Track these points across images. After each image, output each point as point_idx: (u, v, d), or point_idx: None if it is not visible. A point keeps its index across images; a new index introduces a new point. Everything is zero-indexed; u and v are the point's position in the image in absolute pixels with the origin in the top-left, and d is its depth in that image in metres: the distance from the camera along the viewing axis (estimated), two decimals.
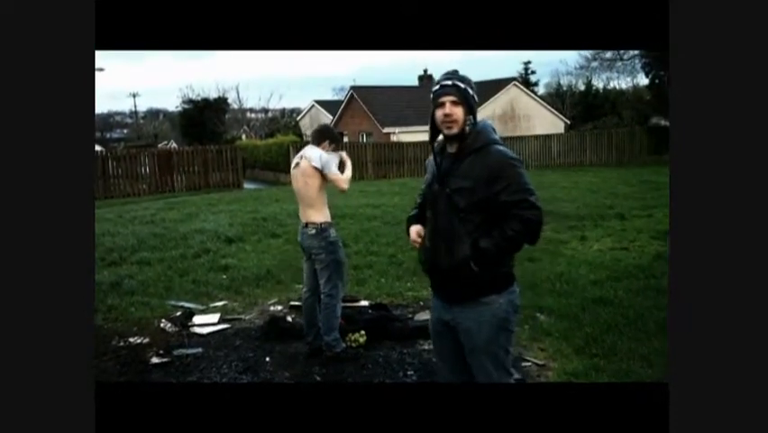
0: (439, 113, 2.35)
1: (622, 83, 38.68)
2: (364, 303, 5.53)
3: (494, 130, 2.46)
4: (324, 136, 4.18)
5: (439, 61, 71.52)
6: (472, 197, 2.30)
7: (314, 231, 4.10)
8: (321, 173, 4.03)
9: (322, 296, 4.18)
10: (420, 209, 2.61)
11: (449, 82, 2.35)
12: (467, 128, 2.35)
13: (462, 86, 2.34)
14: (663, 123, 26.57)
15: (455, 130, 2.33)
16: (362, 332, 4.57)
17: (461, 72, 2.41)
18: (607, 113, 30.68)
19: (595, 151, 23.34)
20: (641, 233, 8.25)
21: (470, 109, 2.35)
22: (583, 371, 3.77)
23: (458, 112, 2.32)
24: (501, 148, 2.38)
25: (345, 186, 4.09)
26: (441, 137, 2.46)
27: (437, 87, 2.38)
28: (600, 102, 33.10)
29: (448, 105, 2.32)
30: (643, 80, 30.11)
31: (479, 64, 70.07)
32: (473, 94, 2.38)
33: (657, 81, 25.51)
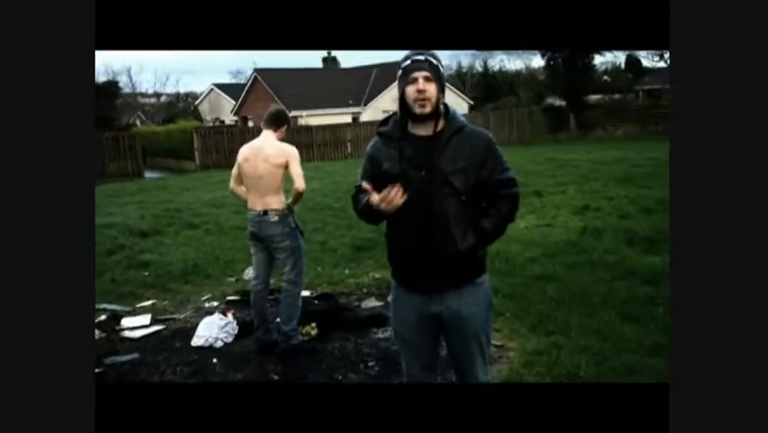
0: (411, 89, 2.12)
1: (517, 64, 40.14)
2: (306, 293, 5.32)
3: None
4: (282, 121, 4.05)
5: None
6: (469, 178, 2.19)
7: (276, 218, 3.93)
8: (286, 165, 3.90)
9: (284, 284, 4.06)
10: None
11: (421, 57, 2.14)
12: (441, 107, 2.18)
13: (435, 61, 2.16)
14: (558, 103, 27.89)
15: (428, 109, 2.14)
16: (313, 324, 4.39)
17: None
18: (506, 93, 31.71)
19: (497, 130, 24.09)
20: (560, 209, 8.55)
21: (443, 87, 2.19)
22: (545, 349, 3.79)
23: (431, 89, 2.12)
24: (478, 128, 2.30)
25: (303, 185, 3.90)
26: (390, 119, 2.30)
27: (408, 61, 2.15)
28: (499, 83, 34.15)
29: (421, 80, 2.11)
30: (536, 62, 31.42)
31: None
32: (444, 72, 2.22)
33: (552, 63, 26.64)
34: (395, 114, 2.28)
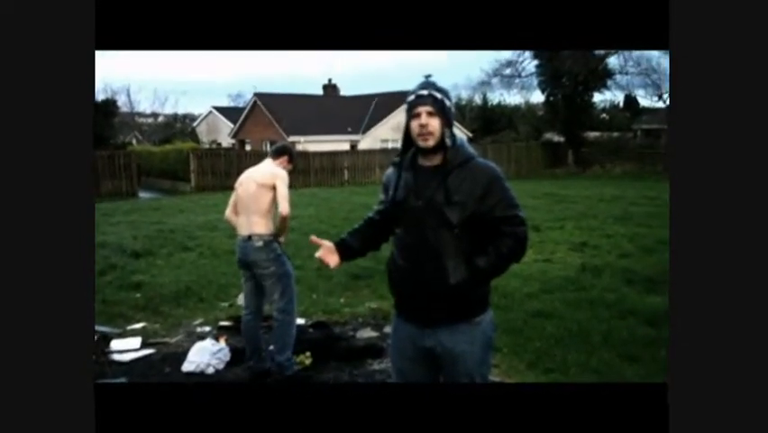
0: (414, 124, 2.18)
1: (515, 99, 40.58)
2: (300, 321, 5.23)
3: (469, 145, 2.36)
4: (284, 152, 4.11)
5: (339, 73, 71.67)
6: (465, 212, 2.16)
7: (260, 243, 3.87)
8: (275, 186, 3.86)
9: (275, 313, 3.95)
10: (370, 227, 2.46)
11: (425, 92, 2.18)
12: (447, 141, 2.19)
13: (439, 96, 2.18)
14: (556, 138, 28.10)
15: (431, 142, 2.17)
16: (308, 353, 4.29)
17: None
18: (504, 127, 31.95)
19: (496, 164, 24.03)
20: (559, 244, 8.51)
21: (448, 121, 2.20)
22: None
23: (434, 123, 2.16)
24: (486, 162, 2.26)
25: (288, 209, 3.84)
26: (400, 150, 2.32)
27: (412, 96, 2.20)
28: (497, 117, 34.43)
29: (424, 115, 2.15)
30: (535, 97, 31.75)
31: (380, 77, 70.95)
32: (450, 105, 2.22)
33: (551, 99, 26.90)
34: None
